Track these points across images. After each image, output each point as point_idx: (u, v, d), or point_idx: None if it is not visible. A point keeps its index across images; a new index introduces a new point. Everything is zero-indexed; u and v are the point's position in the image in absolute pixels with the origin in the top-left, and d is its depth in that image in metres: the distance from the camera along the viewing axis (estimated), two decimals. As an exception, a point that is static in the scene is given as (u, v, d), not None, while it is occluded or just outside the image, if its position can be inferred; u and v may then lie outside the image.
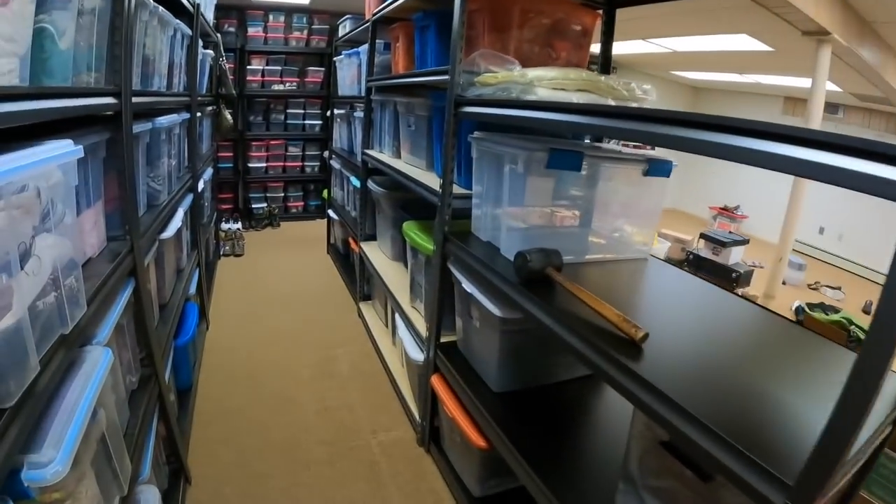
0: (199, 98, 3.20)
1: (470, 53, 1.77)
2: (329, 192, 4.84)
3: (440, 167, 2.13)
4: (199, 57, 3.12)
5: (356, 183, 3.55)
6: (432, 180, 2.21)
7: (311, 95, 5.80)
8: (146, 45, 1.78)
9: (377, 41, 3.15)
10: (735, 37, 5.00)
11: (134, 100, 1.49)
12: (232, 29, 5.35)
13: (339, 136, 4.42)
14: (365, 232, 3.50)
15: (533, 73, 1.51)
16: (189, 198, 2.67)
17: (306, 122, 5.83)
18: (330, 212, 4.65)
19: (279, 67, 5.58)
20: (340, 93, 4.23)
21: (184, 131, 2.71)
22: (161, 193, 2.07)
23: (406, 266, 2.67)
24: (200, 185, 3.10)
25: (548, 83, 1.48)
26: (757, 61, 5.91)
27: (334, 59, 4.30)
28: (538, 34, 1.95)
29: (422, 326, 2.25)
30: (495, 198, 1.74)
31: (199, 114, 3.18)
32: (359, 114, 3.51)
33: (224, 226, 5.39)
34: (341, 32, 4.32)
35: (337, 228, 4.66)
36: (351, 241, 3.87)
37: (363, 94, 3.33)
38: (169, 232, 2.00)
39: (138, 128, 1.66)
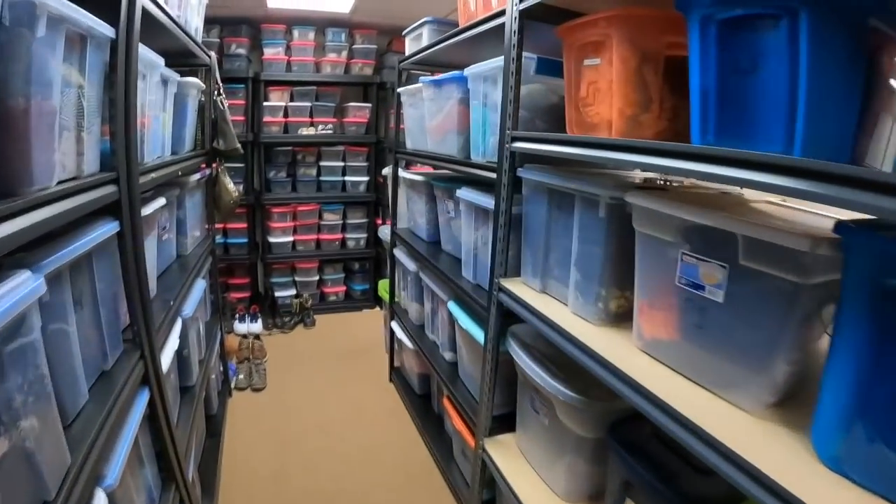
0: (176, 162, 1.77)
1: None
2: (392, 293, 3.23)
3: None
4: (160, 89, 1.62)
5: (471, 328, 1.95)
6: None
7: (353, 142, 4.28)
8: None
9: (527, 57, 1.57)
10: None
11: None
12: (241, 51, 3.87)
13: (413, 214, 2.84)
14: (492, 422, 1.88)
15: None
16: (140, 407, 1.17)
17: (347, 178, 4.30)
18: (396, 327, 3.05)
19: (308, 103, 4.08)
20: (412, 144, 2.65)
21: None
22: None
23: None
24: (167, 358, 1.59)
25: None
26: None
27: (398, 91, 2.73)
28: None
29: None
30: None
31: (158, 202, 1.68)
32: (472, 195, 1.90)
33: (239, 327, 3.93)
34: (411, 47, 2.75)
35: (409, 357, 3.04)
36: (456, 418, 2.23)
37: (482, 158, 1.78)
38: None
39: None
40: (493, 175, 1.70)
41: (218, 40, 3.82)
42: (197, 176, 2.39)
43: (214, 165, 2.66)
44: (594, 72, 1.45)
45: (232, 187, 2.69)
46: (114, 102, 1.17)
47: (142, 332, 1.39)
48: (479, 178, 1.84)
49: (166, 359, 1.60)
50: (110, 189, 1.18)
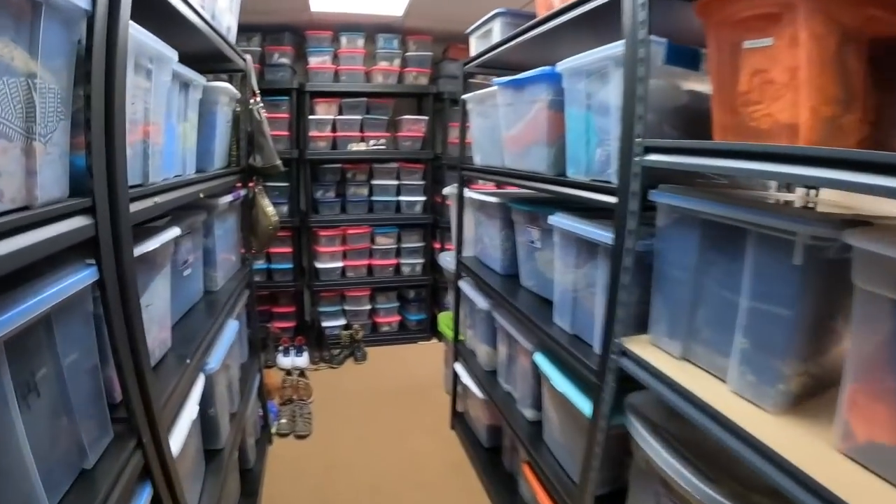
0: (196, 182, 1.55)
1: None
2: (456, 331, 2.84)
3: None
4: (177, 93, 1.29)
5: (570, 393, 1.54)
6: None
7: (407, 158, 3.94)
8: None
9: (654, 41, 1.17)
10: None
11: None
12: (284, 60, 3.60)
13: (482, 241, 2.46)
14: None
15: None
16: None
17: (402, 197, 3.95)
18: (460, 369, 2.66)
19: (358, 116, 3.76)
20: (482, 159, 2.28)
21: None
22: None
23: None
24: (179, 435, 1.23)
25: None
26: None
27: (463, 98, 2.37)
28: None
29: None
30: None
31: (170, 232, 1.36)
32: (572, 223, 1.50)
33: (283, 360, 3.67)
34: (477, 46, 2.39)
35: (475, 404, 2.63)
36: (540, 493, 1.81)
37: (584, 175, 1.39)
38: None
39: None
40: (607, 198, 1.30)
41: (259, 49, 3.56)
42: (229, 198, 2.07)
43: (251, 185, 2.34)
44: (763, 57, 1.04)
45: (271, 211, 2.37)
46: (89, 101, 0.83)
47: (137, 411, 1.04)
48: (576, 200, 1.44)
49: (178, 437, 1.26)
50: (82, 222, 0.84)
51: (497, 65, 2.31)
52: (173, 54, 1.33)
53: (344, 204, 3.93)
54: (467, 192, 2.48)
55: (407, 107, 4.16)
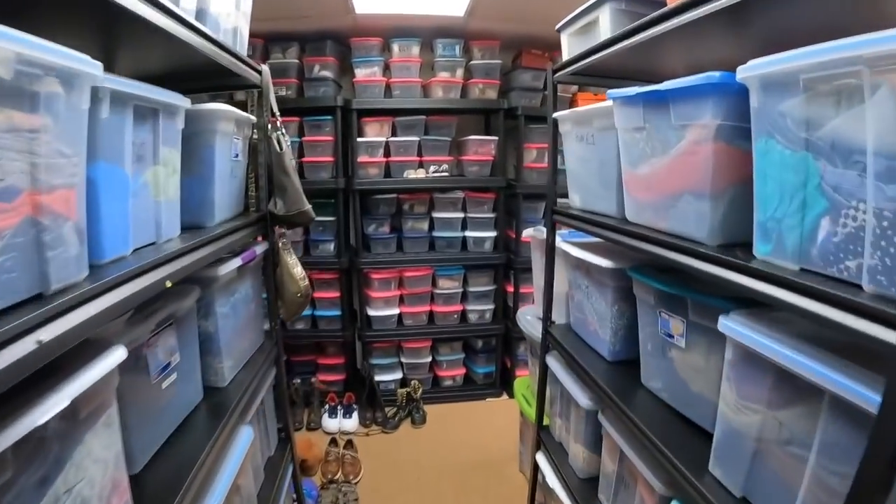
0: (185, 251, 1.12)
1: None
2: (539, 415, 2.21)
3: None
4: (127, 123, 0.75)
5: None
6: None
7: (475, 187, 3.36)
8: None
9: None
10: None
11: None
12: (327, 73, 3.11)
13: (581, 309, 1.84)
14: None
15: None
16: None
17: (468, 233, 3.37)
18: (543, 463, 2.05)
19: (414, 138, 3.23)
20: (582, 201, 1.69)
21: None
22: None
23: None
24: None
25: None
26: None
27: (555, 116, 1.78)
28: None
29: None
30: None
31: (112, 356, 0.82)
32: (775, 346, 0.85)
33: (328, 423, 3.21)
34: (572, 47, 1.76)
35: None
36: None
37: (792, 261, 0.75)
38: None
39: None
40: (865, 325, 0.66)
41: (297, 61, 3.08)
42: (236, 263, 1.53)
43: (278, 231, 1.82)
44: None
45: (299, 273, 1.84)
46: None
47: None
48: (765, 299, 0.82)
49: None
50: None
51: (595, 72, 1.71)
52: (93, 68, 0.79)
53: (400, 240, 3.39)
54: (560, 243, 1.86)
55: (473, 125, 3.57)
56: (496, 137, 3.27)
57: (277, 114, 1.72)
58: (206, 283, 1.40)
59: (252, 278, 1.77)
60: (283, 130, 1.72)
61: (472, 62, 3.25)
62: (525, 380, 2.77)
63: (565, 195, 1.88)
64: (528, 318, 2.40)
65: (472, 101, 3.29)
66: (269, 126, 1.68)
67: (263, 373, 1.77)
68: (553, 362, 1.99)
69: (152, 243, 1.19)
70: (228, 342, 1.55)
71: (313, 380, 3.35)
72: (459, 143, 3.38)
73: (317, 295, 3.27)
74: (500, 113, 3.23)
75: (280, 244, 1.79)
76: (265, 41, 3.07)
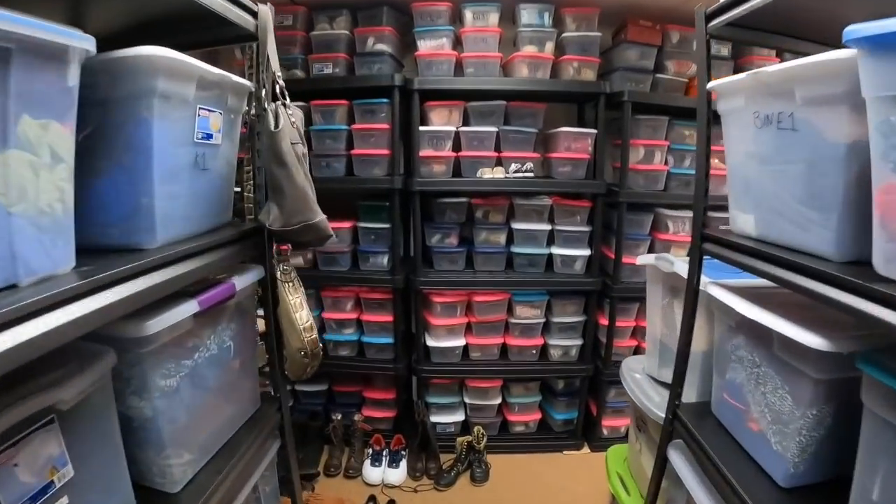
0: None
1: None
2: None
3: None
4: None
5: None
6: None
7: (566, 192, 2.74)
8: None
9: None
10: None
11: None
12: (383, 47, 2.56)
13: (737, 391, 1.17)
14: None
15: None
16: None
17: (556, 249, 2.74)
18: None
19: (492, 129, 2.64)
20: (758, 224, 1.03)
21: None
22: None
23: None
24: None
25: None
26: None
27: (711, 86, 1.11)
28: None
29: None
30: None
31: None
32: None
33: (370, 472, 2.71)
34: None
35: None
36: None
37: None
38: None
39: None
40: None
41: (347, 33, 2.55)
42: (183, 312, 0.98)
43: (283, 252, 1.28)
44: None
45: (304, 318, 1.30)
46: None
47: None
48: None
49: None
50: None
51: (762, 22, 1.08)
52: None
53: (470, 255, 2.80)
54: (712, 287, 1.21)
55: (564, 115, 2.92)
56: (595, 130, 2.62)
57: (279, 75, 1.17)
58: (129, 346, 0.87)
59: (236, 321, 1.24)
60: (287, 101, 1.18)
61: (564, 34, 2.60)
62: (620, 450, 2.13)
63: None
64: (636, 377, 1.76)
65: (564, 83, 2.65)
66: (263, 95, 1.14)
67: (253, 458, 1.23)
68: (679, 460, 1.35)
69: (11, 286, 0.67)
70: (182, 428, 1.02)
71: (356, 417, 2.82)
72: (547, 136, 2.75)
73: (366, 318, 2.77)
74: (601, 99, 2.57)
75: (280, 272, 1.25)
76: (308, 9, 2.57)
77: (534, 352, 2.82)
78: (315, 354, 1.30)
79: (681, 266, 1.46)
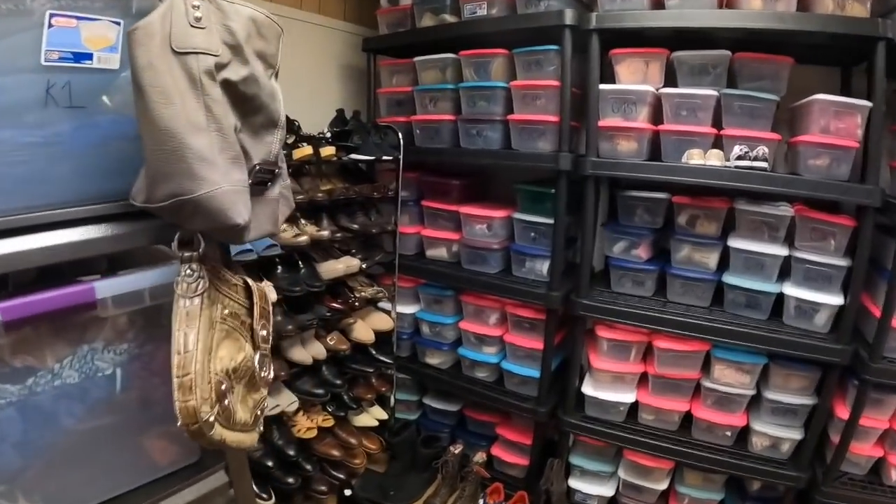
0: None
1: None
2: None
3: None
4: None
5: None
6: None
7: (817, 199, 1.76)
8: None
9: None
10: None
11: None
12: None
13: None
14: None
15: None
16: None
17: (791, 289, 1.80)
18: None
19: (711, 92, 1.81)
20: None
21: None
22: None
23: None
24: None
25: None
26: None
27: None
28: None
29: None
30: None
31: None
32: None
33: None
34: None
35: None
36: None
37: None
38: None
39: None
40: None
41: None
42: None
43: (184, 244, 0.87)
44: None
45: (184, 366, 0.81)
46: None
47: None
48: None
49: None
50: None
51: None
52: None
53: (663, 277, 2.03)
54: None
55: (819, 78, 1.96)
56: (868, 103, 1.62)
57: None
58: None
59: (134, 341, 0.85)
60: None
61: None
62: None
63: None
64: None
65: (820, 21, 1.66)
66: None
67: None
68: None
69: None
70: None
71: (477, 457, 2.24)
72: (793, 109, 1.83)
73: (509, 339, 2.23)
74: (878, 49, 1.56)
75: (180, 275, 0.80)
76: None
77: (729, 433, 1.94)
78: (196, 432, 0.80)
79: None
